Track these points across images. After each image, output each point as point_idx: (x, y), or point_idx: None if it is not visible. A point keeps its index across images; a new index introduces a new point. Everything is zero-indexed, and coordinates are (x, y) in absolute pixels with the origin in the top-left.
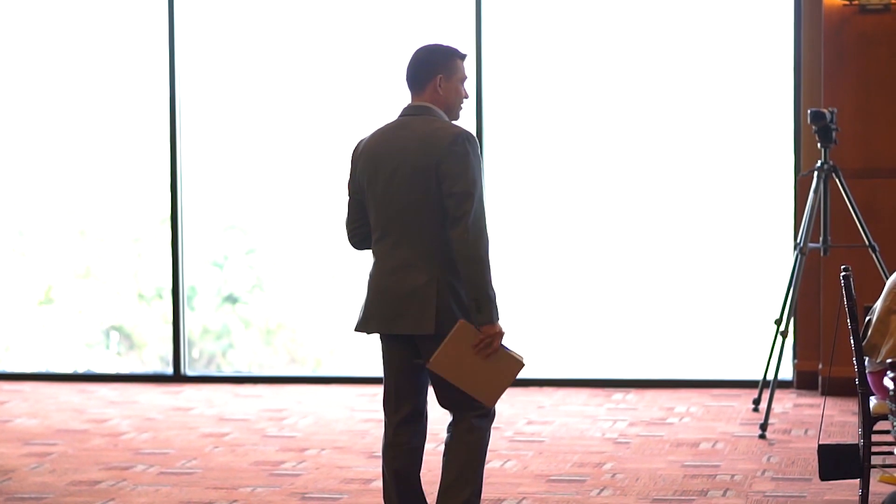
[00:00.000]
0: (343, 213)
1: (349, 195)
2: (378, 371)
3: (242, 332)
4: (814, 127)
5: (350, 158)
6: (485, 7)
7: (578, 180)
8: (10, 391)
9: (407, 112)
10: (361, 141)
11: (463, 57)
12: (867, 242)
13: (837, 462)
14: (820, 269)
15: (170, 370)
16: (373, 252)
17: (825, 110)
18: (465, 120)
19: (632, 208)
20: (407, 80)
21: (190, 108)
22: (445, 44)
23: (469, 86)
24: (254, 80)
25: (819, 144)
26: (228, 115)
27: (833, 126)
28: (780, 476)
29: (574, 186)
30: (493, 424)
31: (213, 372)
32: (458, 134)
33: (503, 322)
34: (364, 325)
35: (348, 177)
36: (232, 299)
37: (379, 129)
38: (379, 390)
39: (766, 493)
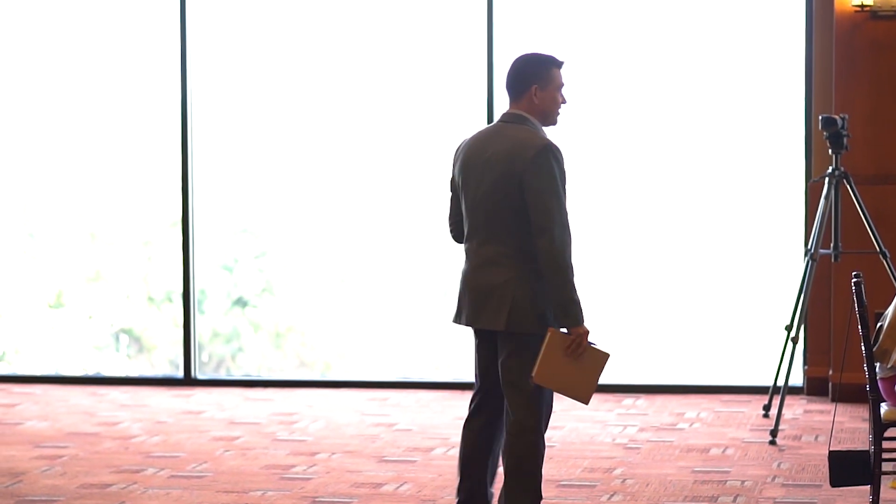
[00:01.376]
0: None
1: (450, 191)
2: (387, 376)
3: (252, 336)
4: (825, 133)
5: (452, 158)
6: (496, 10)
7: (589, 183)
8: (21, 394)
9: (503, 119)
10: (463, 142)
11: (560, 65)
12: (878, 249)
13: (848, 468)
14: (830, 276)
15: (179, 373)
16: (464, 248)
17: (836, 116)
18: (478, 122)
19: (643, 214)
20: (506, 87)
21: (201, 112)
22: (543, 53)
23: (480, 88)
24: (265, 84)
25: (830, 150)
26: (239, 119)
27: (844, 132)
28: (790, 482)
29: (585, 189)
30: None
31: (223, 375)
32: (543, 146)
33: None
34: (457, 318)
35: (450, 175)
36: (241, 303)
37: (477, 133)
38: (389, 395)
39: (777, 500)
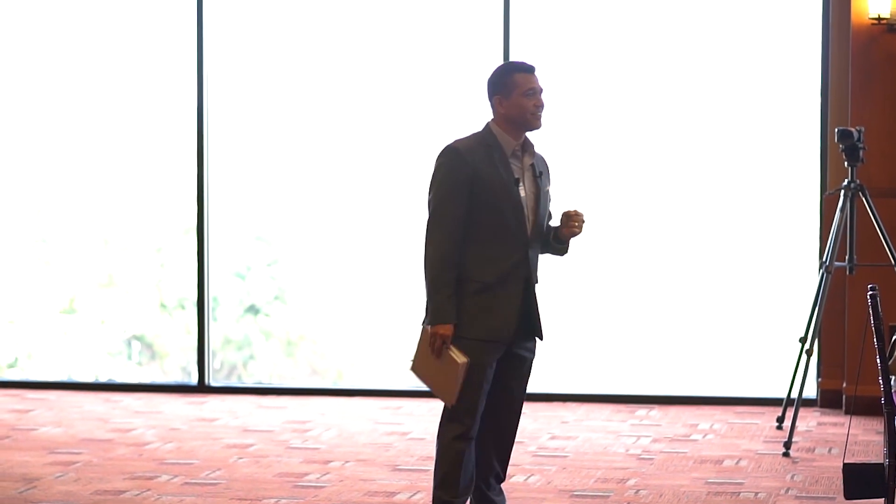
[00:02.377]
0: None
1: None
2: (400, 384)
3: (263, 344)
4: (841, 145)
5: None
6: (513, 18)
7: (603, 194)
8: (34, 399)
9: None
10: None
11: (525, 69)
12: (893, 262)
13: (862, 481)
14: (845, 288)
15: (191, 380)
16: None
17: (852, 129)
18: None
19: (657, 225)
20: None
21: (216, 119)
22: (511, 61)
23: None
24: (280, 92)
25: (846, 163)
26: (254, 126)
27: (860, 145)
28: (803, 494)
29: (598, 200)
30: (517, 439)
31: (237, 383)
32: (441, 151)
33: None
34: None
35: None
36: (254, 310)
37: None
38: (402, 403)
39: None
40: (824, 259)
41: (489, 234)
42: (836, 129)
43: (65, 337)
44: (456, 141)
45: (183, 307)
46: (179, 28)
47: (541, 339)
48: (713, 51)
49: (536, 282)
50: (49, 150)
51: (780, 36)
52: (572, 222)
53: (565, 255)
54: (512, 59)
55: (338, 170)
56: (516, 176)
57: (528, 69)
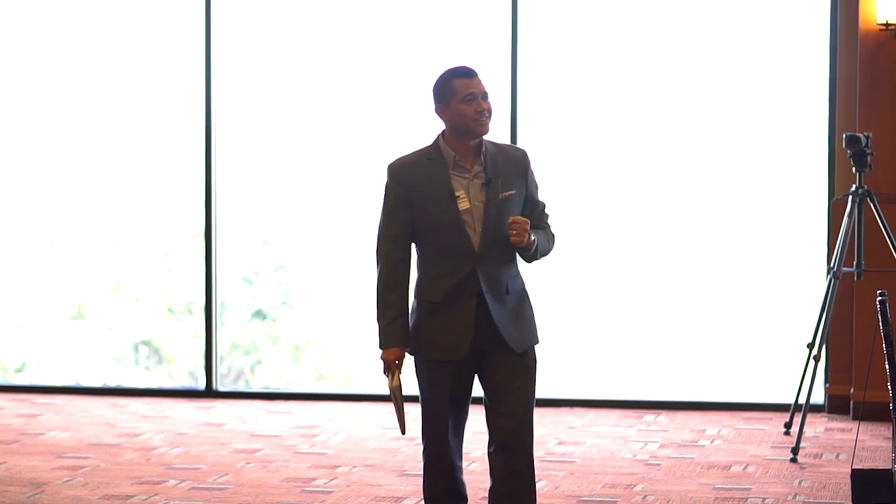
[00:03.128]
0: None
1: None
2: (407, 390)
3: (270, 348)
4: (849, 151)
5: None
6: (520, 25)
7: (611, 197)
8: (42, 404)
9: None
10: None
11: (463, 74)
12: None
13: (870, 487)
14: (853, 294)
15: (198, 385)
16: None
17: (860, 134)
18: (499, 128)
19: (665, 230)
20: None
21: (223, 123)
22: (452, 67)
23: (504, 92)
24: (287, 98)
25: (854, 168)
26: (261, 130)
27: (868, 150)
28: (811, 500)
29: (605, 205)
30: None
31: (245, 388)
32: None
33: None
34: None
35: None
36: (261, 315)
37: None
38: (410, 409)
39: None
40: (832, 264)
41: (434, 252)
42: (844, 135)
43: (72, 342)
44: (399, 158)
45: (190, 312)
46: (188, 33)
47: (515, 350)
48: (721, 56)
49: (507, 293)
50: (56, 156)
51: (787, 41)
52: (510, 230)
53: (531, 263)
54: (520, 62)
55: (344, 175)
56: (454, 188)
57: (467, 73)
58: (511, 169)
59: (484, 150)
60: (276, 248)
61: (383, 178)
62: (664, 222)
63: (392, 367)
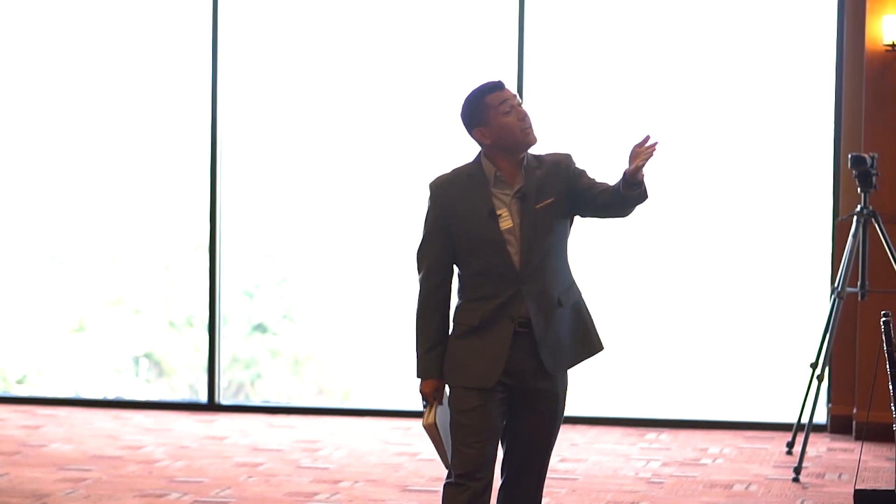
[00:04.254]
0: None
1: None
2: (410, 405)
3: (270, 362)
4: (854, 171)
5: None
6: (527, 28)
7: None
8: (45, 416)
9: None
10: None
11: (493, 88)
12: None
13: None
14: (857, 314)
15: (199, 398)
16: None
17: (866, 155)
18: None
19: (669, 248)
20: None
21: (227, 137)
22: (473, 90)
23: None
24: (291, 110)
25: (859, 189)
26: (265, 143)
27: (873, 171)
28: None
29: (609, 220)
30: None
31: (247, 402)
32: None
33: None
34: None
35: None
36: (262, 328)
37: None
38: (412, 424)
39: None
40: (836, 284)
41: (474, 274)
42: (850, 155)
43: (73, 354)
44: (440, 175)
45: (191, 325)
46: (193, 43)
47: (552, 371)
48: (727, 75)
49: (560, 305)
50: (59, 168)
51: (794, 62)
52: (634, 158)
53: (639, 204)
54: (527, 66)
55: (348, 189)
56: (495, 206)
57: (496, 86)
58: (550, 177)
59: (525, 163)
60: (277, 261)
61: (388, 193)
62: (669, 241)
63: (430, 400)
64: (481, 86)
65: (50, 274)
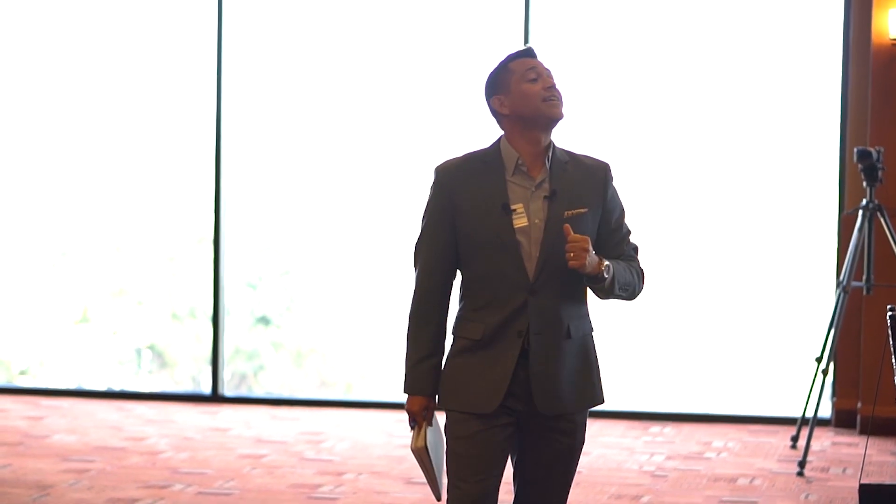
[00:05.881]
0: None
1: None
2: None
3: (273, 354)
4: (860, 165)
5: None
6: (532, 26)
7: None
8: (48, 407)
9: None
10: None
11: (521, 55)
12: None
13: (878, 502)
14: (862, 308)
15: (202, 389)
16: None
17: (871, 149)
18: None
19: (673, 242)
20: None
21: (232, 130)
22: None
23: None
24: (295, 104)
25: (864, 183)
26: (269, 135)
27: (879, 165)
28: None
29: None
30: None
31: (250, 393)
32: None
33: None
34: None
35: None
36: (265, 321)
37: None
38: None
39: None
40: (841, 278)
41: (479, 278)
42: (855, 149)
43: (77, 345)
44: (449, 159)
45: (194, 316)
46: (199, 37)
47: (555, 411)
48: (732, 69)
49: (569, 336)
50: (63, 160)
51: (799, 56)
52: (567, 251)
53: (605, 299)
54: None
55: (352, 182)
56: (510, 200)
57: (525, 53)
58: (585, 182)
59: (552, 153)
60: (281, 254)
61: (392, 186)
62: (674, 235)
63: (418, 420)
64: (512, 52)
65: (54, 265)
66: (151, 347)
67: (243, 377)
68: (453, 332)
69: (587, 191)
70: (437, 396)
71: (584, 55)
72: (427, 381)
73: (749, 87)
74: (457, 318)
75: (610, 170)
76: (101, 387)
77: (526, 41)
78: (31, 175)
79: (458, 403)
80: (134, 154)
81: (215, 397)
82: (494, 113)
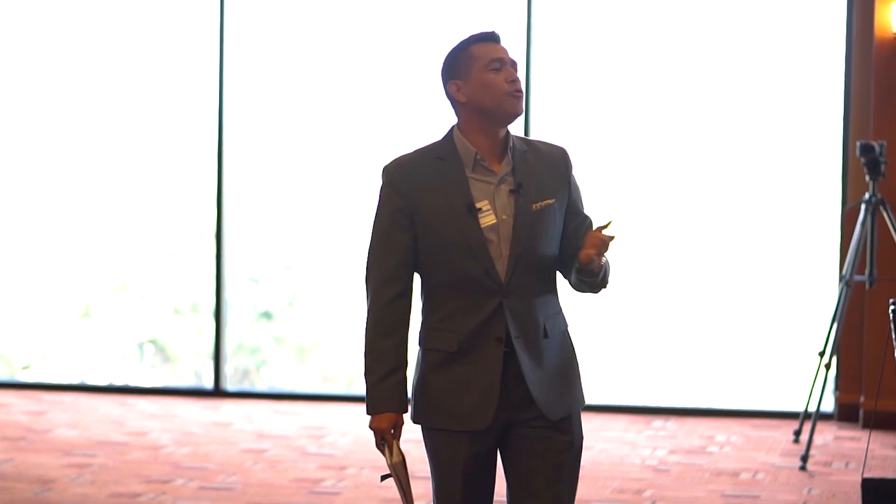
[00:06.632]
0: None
1: None
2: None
3: (275, 349)
4: (862, 159)
5: None
6: (534, 30)
7: (621, 202)
8: (50, 402)
9: None
10: None
11: (484, 38)
12: None
13: (881, 497)
14: (864, 302)
15: (204, 384)
16: None
17: (874, 143)
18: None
19: (677, 236)
20: None
21: (234, 125)
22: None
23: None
24: (298, 99)
25: (867, 177)
26: (272, 132)
27: (882, 159)
28: None
29: (617, 209)
30: None
31: (252, 388)
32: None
33: None
34: None
35: None
36: (267, 315)
37: None
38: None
39: None
40: (844, 273)
41: (445, 284)
42: (858, 143)
43: (79, 340)
44: (398, 157)
45: (197, 311)
46: (201, 34)
47: (553, 418)
48: (735, 63)
49: (546, 336)
50: (65, 155)
51: (802, 50)
52: (588, 244)
53: (599, 292)
54: (533, 63)
55: (354, 177)
56: (474, 198)
57: (489, 36)
58: (548, 172)
59: (511, 144)
60: (283, 248)
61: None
62: (676, 228)
63: (387, 439)
64: (474, 34)
65: (56, 260)
66: (153, 342)
67: (245, 372)
68: (422, 346)
69: (552, 180)
70: (405, 412)
71: (588, 49)
72: (395, 397)
73: (752, 82)
74: (423, 329)
75: (568, 154)
76: (103, 381)
77: (528, 41)
78: (33, 170)
79: (444, 421)
80: (136, 149)
81: (217, 392)
82: (450, 98)
